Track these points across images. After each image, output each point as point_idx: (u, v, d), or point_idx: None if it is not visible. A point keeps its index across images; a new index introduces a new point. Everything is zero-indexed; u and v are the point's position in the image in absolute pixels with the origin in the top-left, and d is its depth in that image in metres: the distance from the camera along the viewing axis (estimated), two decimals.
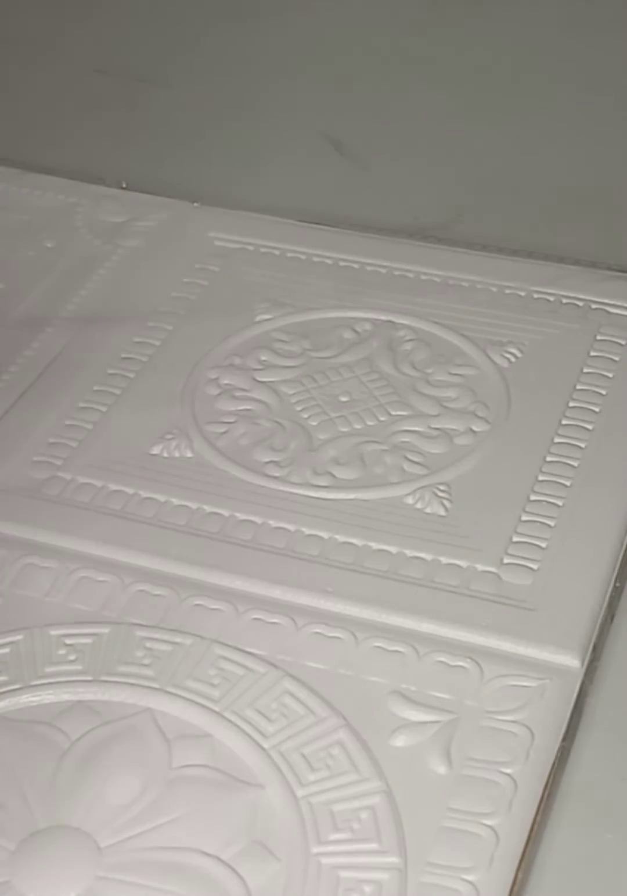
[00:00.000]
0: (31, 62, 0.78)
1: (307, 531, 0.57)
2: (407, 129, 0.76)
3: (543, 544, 0.56)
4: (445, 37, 0.74)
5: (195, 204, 0.76)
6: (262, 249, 0.74)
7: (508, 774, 0.47)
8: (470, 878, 0.44)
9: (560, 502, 0.58)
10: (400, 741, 0.48)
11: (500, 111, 0.74)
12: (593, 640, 0.52)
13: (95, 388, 0.65)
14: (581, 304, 0.70)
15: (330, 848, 0.45)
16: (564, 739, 0.49)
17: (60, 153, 0.80)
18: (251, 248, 0.74)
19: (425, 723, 0.49)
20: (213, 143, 0.79)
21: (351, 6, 0.75)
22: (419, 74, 0.75)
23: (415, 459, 0.61)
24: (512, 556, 0.56)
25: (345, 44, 0.75)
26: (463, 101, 0.75)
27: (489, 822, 0.46)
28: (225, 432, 0.62)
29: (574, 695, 0.50)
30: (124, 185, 0.79)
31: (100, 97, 0.79)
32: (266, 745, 0.48)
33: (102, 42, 0.78)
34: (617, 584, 0.55)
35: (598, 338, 0.67)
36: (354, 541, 0.57)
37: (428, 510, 0.58)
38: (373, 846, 0.45)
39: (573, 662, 0.51)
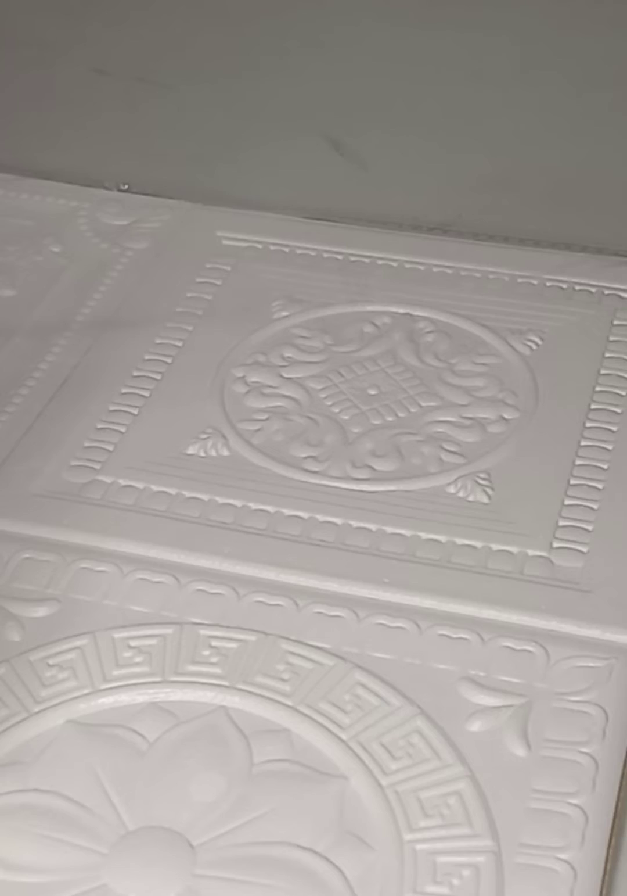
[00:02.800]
0: (29, 62, 0.77)
1: (355, 524, 0.57)
2: (406, 128, 0.77)
3: (589, 527, 0.57)
4: (445, 35, 0.74)
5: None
6: (272, 247, 0.74)
7: (587, 753, 0.48)
8: (564, 856, 0.45)
9: (600, 485, 0.59)
10: (476, 726, 0.49)
11: (501, 107, 0.75)
12: None
13: (123, 390, 0.64)
14: (593, 290, 0.70)
15: (423, 835, 0.45)
16: None
17: (58, 156, 0.79)
18: (260, 246, 0.74)
19: (499, 707, 0.49)
20: (213, 143, 0.79)
21: (351, 6, 0.75)
22: (419, 73, 0.75)
23: (451, 449, 0.61)
24: (561, 539, 0.56)
25: (345, 44, 0.75)
26: (463, 98, 0.75)
27: (575, 801, 0.46)
28: (259, 429, 0.62)
29: None
30: (125, 187, 0.79)
31: (99, 97, 0.78)
32: (344, 737, 0.48)
33: (102, 42, 0.77)
34: None
35: (615, 323, 0.68)
36: (403, 531, 0.57)
37: (470, 498, 0.59)
38: (466, 831, 0.45)
39: None
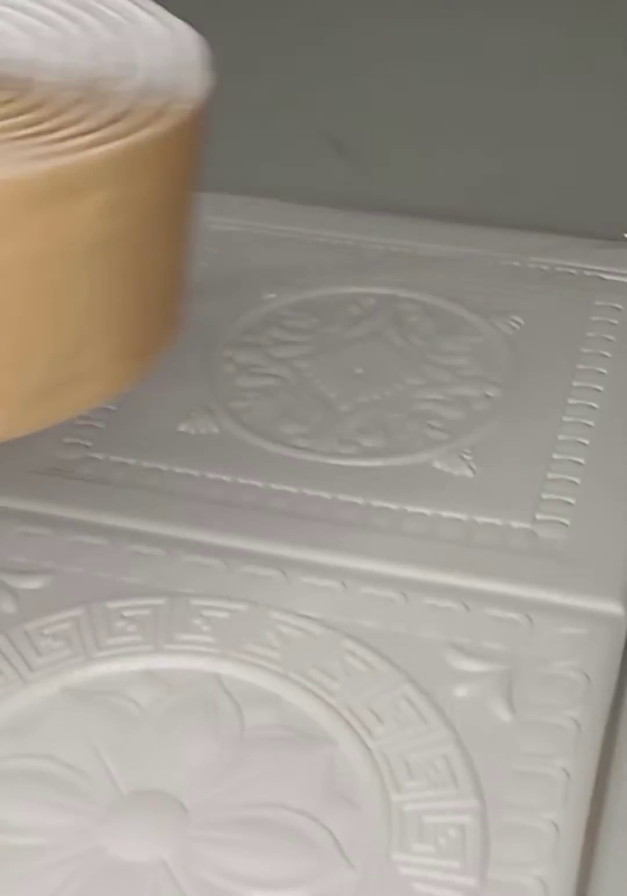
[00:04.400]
0: None
1: (343, 498, 0.59)
2: (406, 128, 0.78)
3: (572, 500, 0.58)
4: (445, 34, 0.76)
5: None
6: (258, 231, 0.75)
7: (571, 717, 0.49)
8: (548, 816, 0.46)
9: (582, 460, 0.60)
10: (462, 692, 0.50)
11: (502, 107, 0.76)
12: None
13: None
14: (574, 272, 0.72)
15: (410, 795, 0.47)
16: (619, 681, 0.51)
17: None
18: (247, 230, 0.75)
19: (483, 673, 0.51)
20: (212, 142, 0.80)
21: (352, 6, 0.76)
22: (418, 73, 0.76)
23: (437, 426, 0.62)
24: (544, 512, 0.58)
25: (345, 43, 0.76)
26: (462, 97, 0.76)
27: (558, 763, 0.47)
28: (248, 407, 0.64)
29: (624, 639, 0.52)
30: None
31: None
32: (333, 703, 0.50)
33: None
34: None
35: (596, 303, 0.70)
36: (389, 505, 0.58)
37: (455, 473, 0.60)
38: (452, 791, 0.47)
39: (617, 609, 0.53)
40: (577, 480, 0.59)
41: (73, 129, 0.43)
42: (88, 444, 0.61)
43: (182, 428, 0.62)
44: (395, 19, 0.76)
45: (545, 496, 0.59)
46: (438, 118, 0.77)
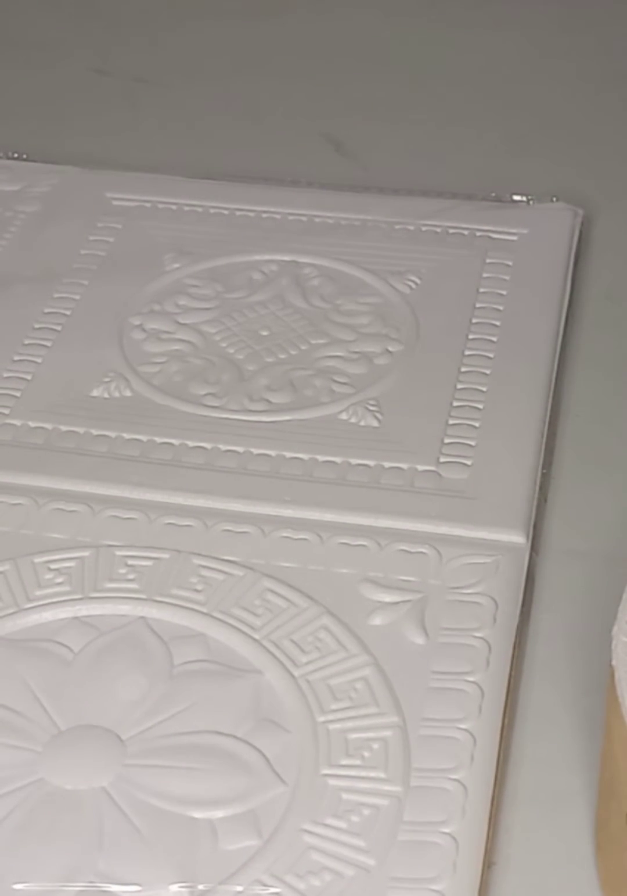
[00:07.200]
0: (29, 62, 0.79)
1: (255, 451, 0.61)
2: (406, 128, 0.81)
3: (472, 443, 0.61)
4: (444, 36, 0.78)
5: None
6: (160, 205, 0.77)
7: (481, 637, 0.52)
8: (463, 726, 0.49)
9: (480, 406, 0.63)
10: (378, 620, 0.53)
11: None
12: (532, 519, 0.58)
13: (26, 342, 0.67)
14: (466, 232, 0.75)
15: (334, 716, 0.49)
16: (523, 603, 0.54)
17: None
18: (149, 204, 0.77)
19: (398, 602, 0.53)
20: (210, 142, 0.82)
21: (352, 6, 0.79)
22: (419, 74, 0.79)
23: (341, 380, 0.65)
24: (447, 455, 0.61)
25: (346, 43, 0.78)
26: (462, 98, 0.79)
27: (471, 679, 0.50)
28: (158, 371, 0.66)
29: (525, 566, 0.56)
30: (15, 155, 0.81)
31: (99, 97, 0.80)
32: (257, 637, 0.52)
33: (102, 42, 0.79)
34: (544, 471, 0.61)
35: (487, 261, 0.73)
36: (301, 455, 0.61)
37: (362, 423, 0.63)
38: (373, 710, 0.49)
39: (519, 539, 0.57)
40: (476, 424, 0.62)
41: None
42: (5, 411, 0.63)
43: (95, 393, 0.64)
44: None
45: (447, 440, 0.62)
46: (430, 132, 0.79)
